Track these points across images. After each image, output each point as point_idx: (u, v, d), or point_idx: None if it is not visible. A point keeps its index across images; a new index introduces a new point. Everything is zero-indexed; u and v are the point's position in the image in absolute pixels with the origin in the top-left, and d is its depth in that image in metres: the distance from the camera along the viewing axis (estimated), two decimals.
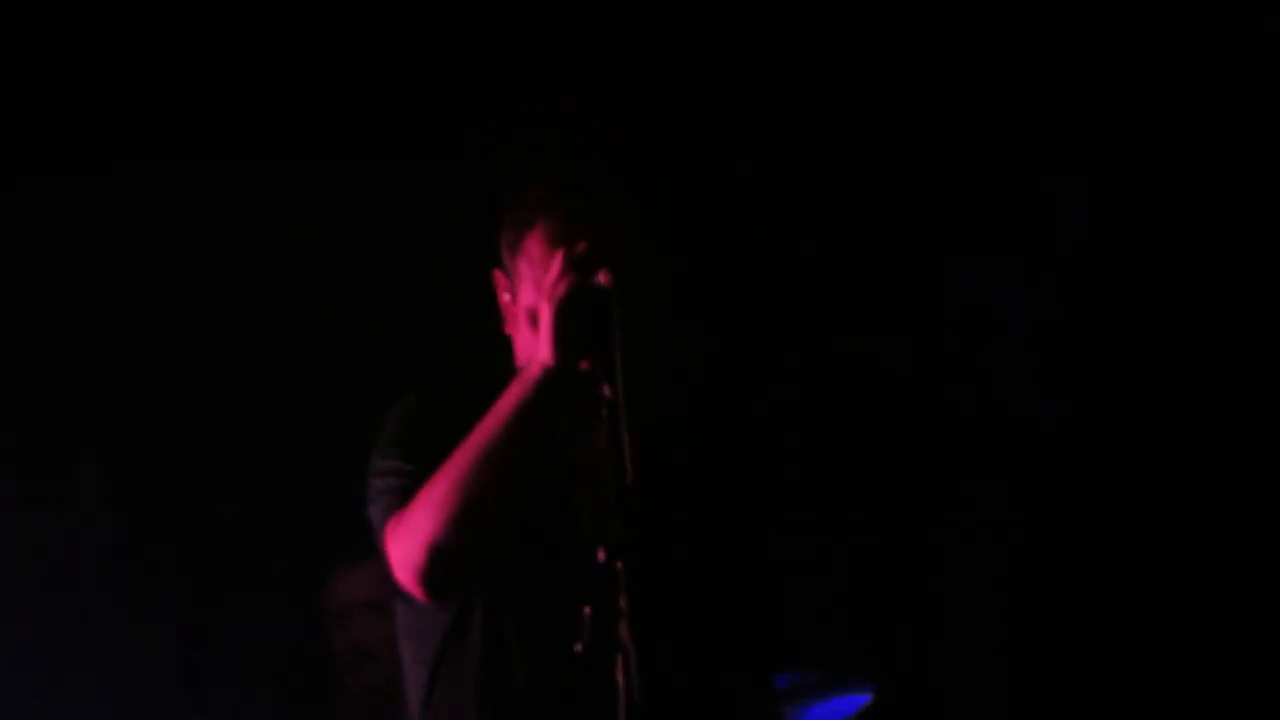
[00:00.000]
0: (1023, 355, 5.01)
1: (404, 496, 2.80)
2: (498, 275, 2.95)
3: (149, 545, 4.69)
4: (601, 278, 2.64)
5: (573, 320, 2.66)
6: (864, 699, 4.21)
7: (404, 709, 2.97)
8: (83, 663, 4.63)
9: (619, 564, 2.46)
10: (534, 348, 2.72)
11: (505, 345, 2.96)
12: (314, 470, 4.57)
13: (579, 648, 2.51)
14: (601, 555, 2.47)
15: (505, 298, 2.94)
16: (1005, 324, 5.00)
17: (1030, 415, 5.01)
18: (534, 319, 2.78)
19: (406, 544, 2.75)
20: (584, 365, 2.68)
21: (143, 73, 4.69)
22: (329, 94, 4.75)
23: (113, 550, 4.69)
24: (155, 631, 4.68)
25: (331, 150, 4.76)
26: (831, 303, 4.98)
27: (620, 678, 2.43)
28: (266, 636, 4.68)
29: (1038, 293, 5.00)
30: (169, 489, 4.71)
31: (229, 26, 4.68)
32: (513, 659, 2.82)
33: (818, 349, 4.99)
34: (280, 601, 4.63)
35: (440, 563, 2.72)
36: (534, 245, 2.88)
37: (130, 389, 4.73)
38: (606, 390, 2.57)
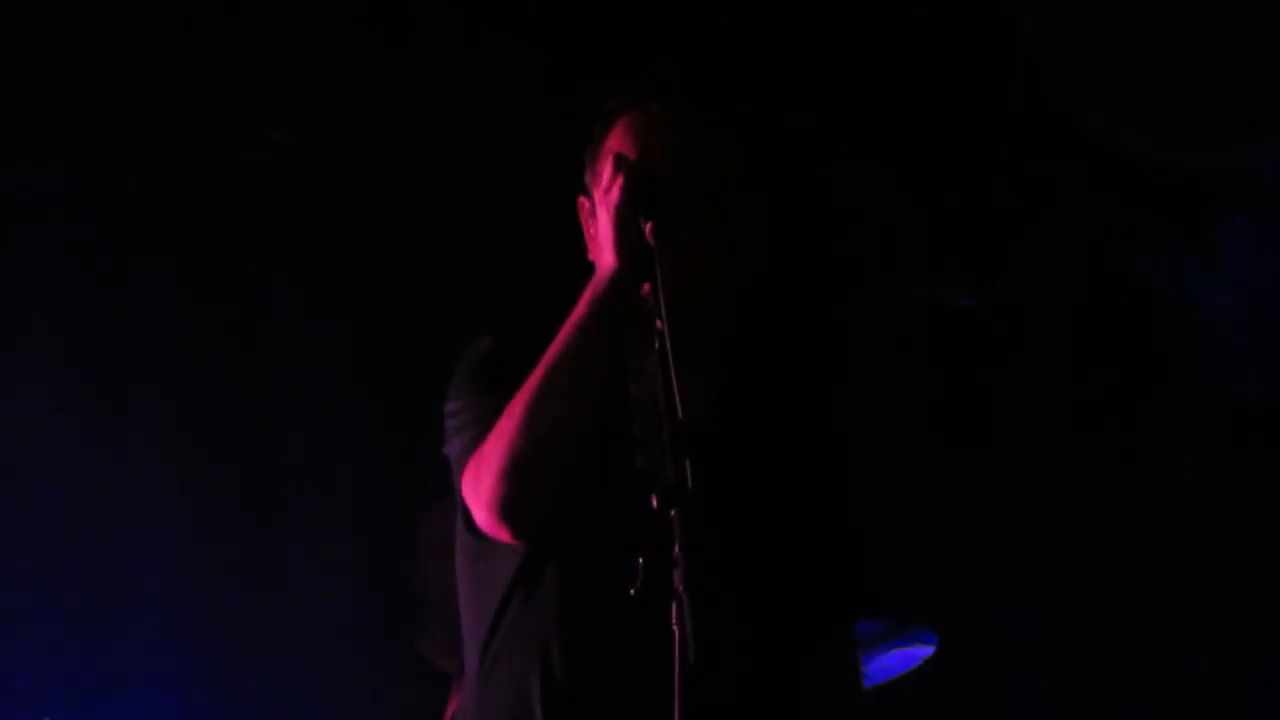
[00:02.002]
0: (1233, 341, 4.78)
1: (481, 430, 2.77)
2: (581, 201, 2.90)
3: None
4: (647, 229, 2.64)
5: (630, 223, 2.64)
6: (926, 651, 4.19)
7: (461, 650, 2.94)
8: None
9: (673, 512, 2.40)
10: (600, 259, 2.71)
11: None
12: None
13: (632, 594, 2.44)
14: (655, 502, 2.41)
15: (589, 223, 2.88)
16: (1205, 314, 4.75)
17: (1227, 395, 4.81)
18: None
19: (484, 475, 2.72)
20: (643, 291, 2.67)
21: None
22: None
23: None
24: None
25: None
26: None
27: (675, 626, 2.37)
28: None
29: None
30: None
31: None
32: (571, 604, 2.79)
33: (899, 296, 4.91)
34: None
35: (516, 491, 2.69)
36: (615, 140, 2.83)
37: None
38: (658, 323, 2.53)
